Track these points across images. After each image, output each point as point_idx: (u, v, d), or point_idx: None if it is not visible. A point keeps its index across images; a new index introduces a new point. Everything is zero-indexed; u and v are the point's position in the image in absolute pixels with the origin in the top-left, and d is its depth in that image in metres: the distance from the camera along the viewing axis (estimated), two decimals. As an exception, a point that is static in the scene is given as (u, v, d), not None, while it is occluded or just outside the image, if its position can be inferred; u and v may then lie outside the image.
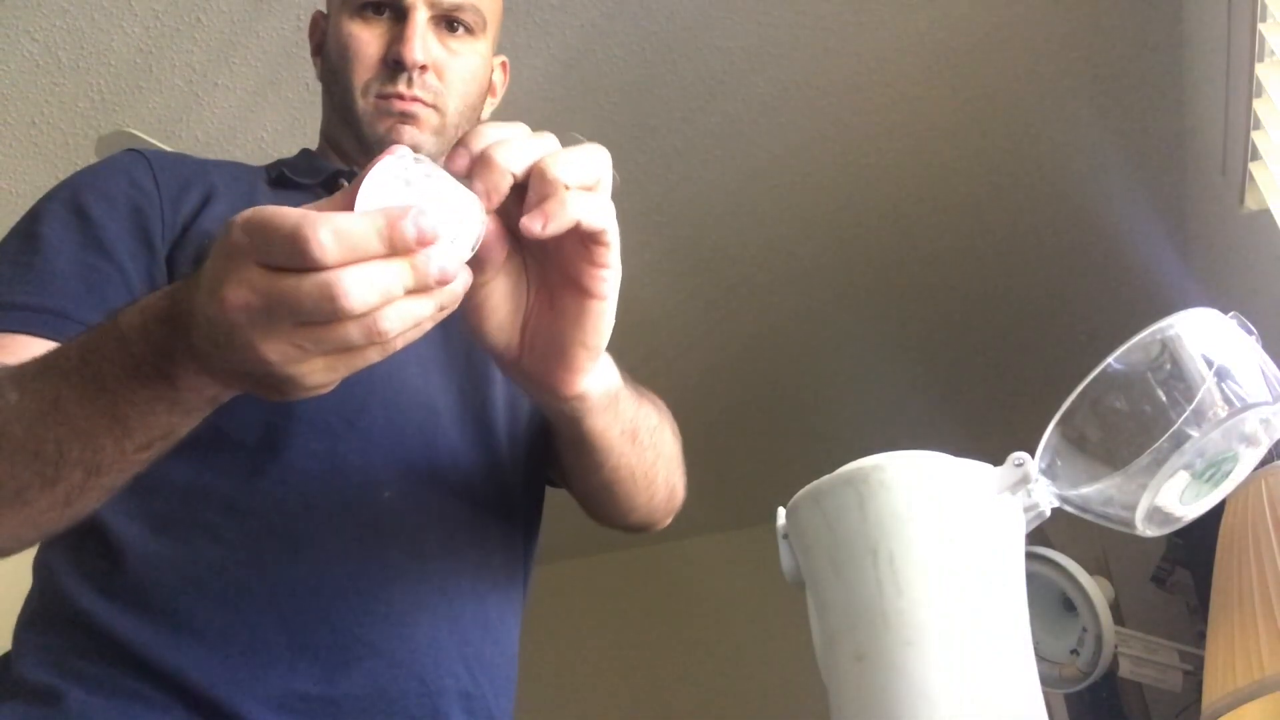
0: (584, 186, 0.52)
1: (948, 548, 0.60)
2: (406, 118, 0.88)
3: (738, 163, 2.29)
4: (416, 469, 0.80)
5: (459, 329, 0.57)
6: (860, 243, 2.55)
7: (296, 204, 0.92)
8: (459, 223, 0.47)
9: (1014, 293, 2.72)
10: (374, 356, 0.47)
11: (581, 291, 0.55)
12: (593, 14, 1.93)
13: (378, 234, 0.43)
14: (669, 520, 0.87)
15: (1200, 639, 1.45)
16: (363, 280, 0.43)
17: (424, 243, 0.44)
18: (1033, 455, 0.63)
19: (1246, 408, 0.59)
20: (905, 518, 0.61)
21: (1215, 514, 0.82)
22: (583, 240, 0.53)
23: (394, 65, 0.88)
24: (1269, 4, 1.44)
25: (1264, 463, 0.79)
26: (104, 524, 0.75)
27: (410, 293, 0.45)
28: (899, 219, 2.47)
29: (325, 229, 0.43)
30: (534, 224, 0.50)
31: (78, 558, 0.75)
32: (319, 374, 0.47)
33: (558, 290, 0.56)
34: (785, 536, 0.68)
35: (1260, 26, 1.48)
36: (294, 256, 0.43)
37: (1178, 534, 1.60)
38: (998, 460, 0.64)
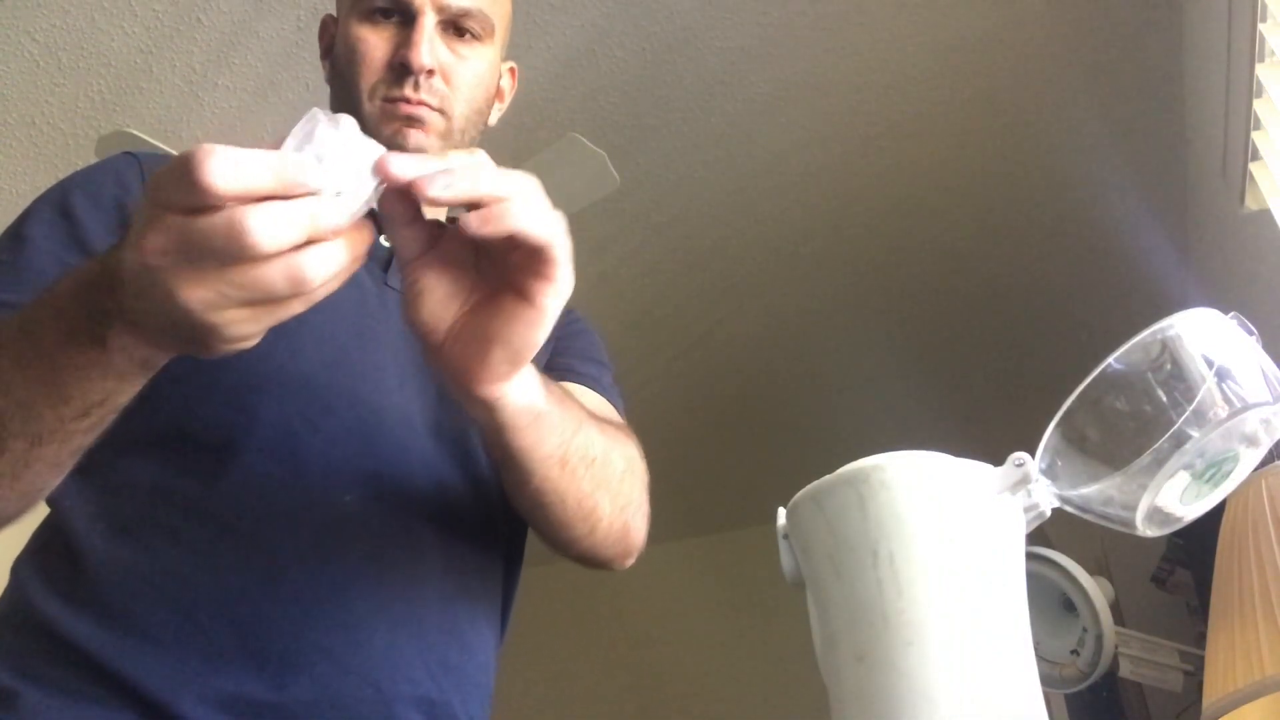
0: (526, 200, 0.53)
1: (948, 548, 0.60)
2: (412, 121, 0.88)
3: (738, 163, 2.29)
4: (383, 474, 0.79)
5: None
6: (860, 243, 2.55)
7: None
8: (355, 174, 0.48)
9: (1014, 293, 2.72)
10: (296, 307, 0.49)
11: (520, 296, 0.55)
12: (593, 14, 1.93)
13: (268, 167, 0.45)
14: (627, 561, 0.86)
15: (1200, 639, 1.45)
16: (266, 217, 0.45)
17: (315, 183, 0.46)
18: (1033, 455, 0.63)
19: (1247, 408, 0.59)
20: (905, 518, 0.61)
21: (1215, 514, 0.82)
22: (530, 251, 0.53)
23: (400, 69, 0.88)
24: (1269, 4, 1.44)
25: (1264, 463, 0.79)
26: (69, 528, 0.76)
27: (317, 239, 0.46)
28: (898, 219, 2.47)
29: (214, 157, 0.44)
30: (470, 222, 0.51)
31: (43, 561, 0.76)
32: (242, 324, 0.49)
33: (500, 291, 0.56)
34: (785, 536, 0.68)
35: (1260, 26, 1.48)
36: (187, 187, 0.44)
37: (1178, 534, 1.60)
38: (998, 460, 0.64)
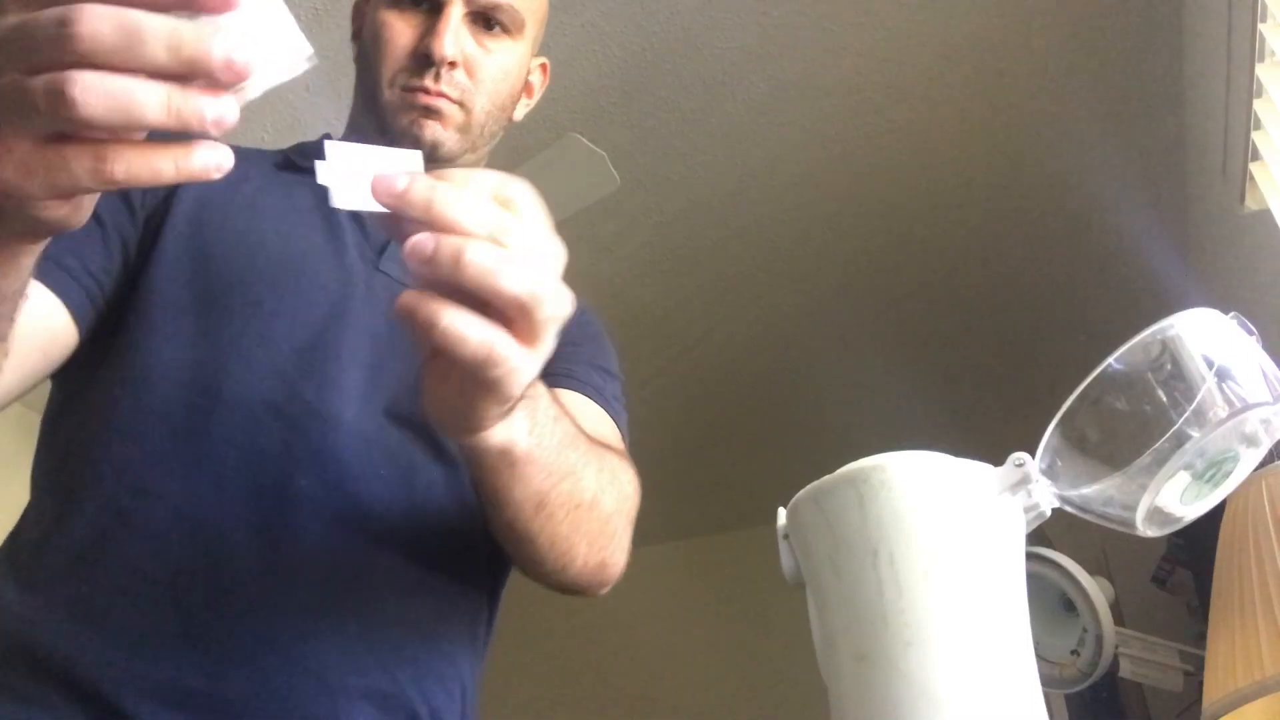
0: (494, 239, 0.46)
1: (948, 548, 0.60)
2: (430, 112, 0.87)
3: (738, 163, 2.29)
4: (342, 460, 0.77)
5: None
6: (860, 243, 2.55)
7: (292, 187, 0.90)
8: (255, 45, 0.39)
9: (1014, 293, 2.72)
10: (83, 166, 0.39)
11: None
12: (593, 14, 1.93)
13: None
14: (602, 590, 0.81)
15: (1200, 639, 1.45)
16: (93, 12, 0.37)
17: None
18: (1033, 455, 0.63)
19: (1247, 408, 0.59)
20: (905, 518, 0.61)
21: (1215, 514, 0.82)
22: (500, 311, 0.46)
23: (423, 58, 0.87)
24: (1269, 4, 1.44)
25: (1264, 463, 0.79)
26: (31, 509, 0.76)
27: (158, 74, 0.38)
28: (899, 219, 2.47)
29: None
30: (412, 252, 0.45)
31: (8, 549, 0.77)
32: (12, 172, 0.39)
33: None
34: (785, 536, 0.68)
35: (1260, 26, 1.48)
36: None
37: (1178, 534, 1.60)
38: (998, 460, 0.64)
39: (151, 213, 0.84)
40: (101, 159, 0.39)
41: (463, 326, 0.45)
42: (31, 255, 0.50)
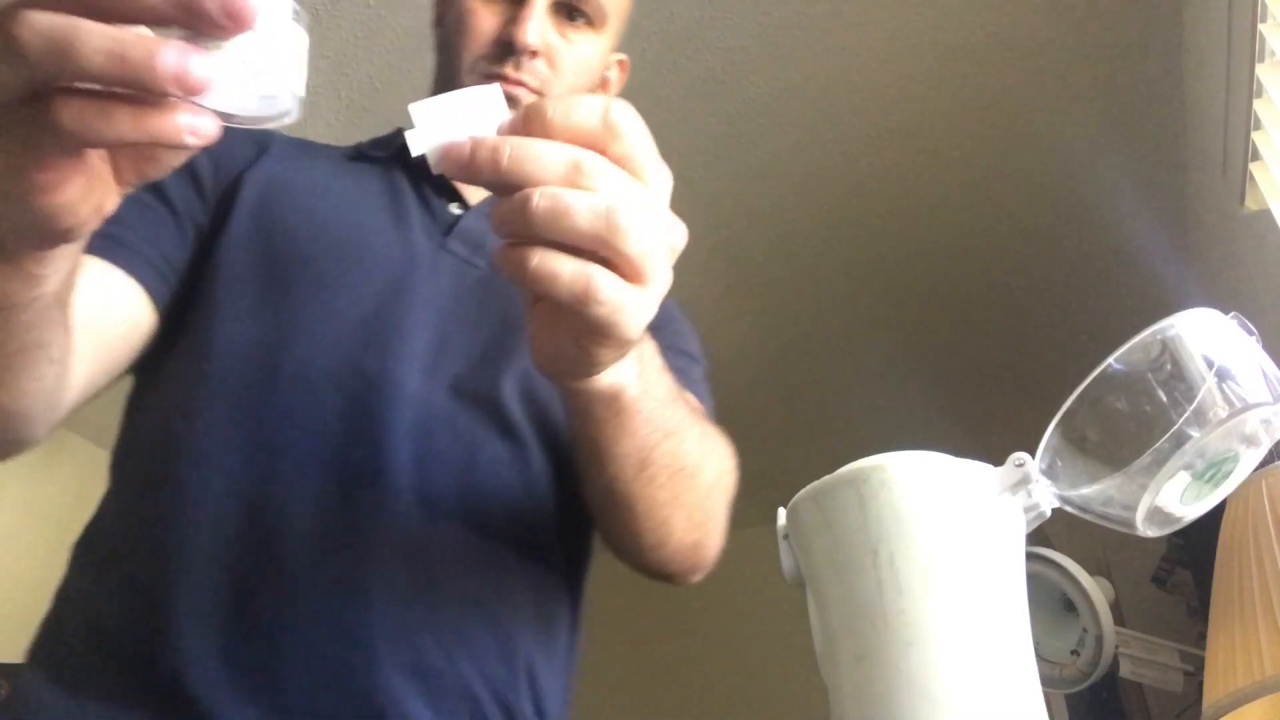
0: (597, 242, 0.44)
1: (948, 548, 0.60)
2: (508, 101, 0.87)
3: (738, 163, 2.29)
4: (401, 432, 0.75)
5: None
6: (860, 243, 2.55)
7: (362, 174, 0.92)
8: (265, 62, 0.38)
9: (1014, 293, 2.72)
10: (65, 118, 0.37)
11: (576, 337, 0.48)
12: (593, 14, 1.93)
13: None
14: (694, 577, 0.80)
15: (1201, 639, 1.45)
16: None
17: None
18: (1033, 455, 0.63)
19: (1247, 408, 0.59)
20: (905, 518, 0.61)
21: (1215, 514, 0.82)
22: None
23: (505, 46, 0.86)
24: (1269, 4, 1.44)
25: (1264, 463, 0.79)
26: (108, 504, 0.77)
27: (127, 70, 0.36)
28: (899, 219, 2.47)
29: None
30: (500, 259, 0.45)
31: (88, 535, 0.77)
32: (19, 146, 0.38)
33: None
34: (785, 536, 0.68)
35: (1260, 26, 1.48)
36: None
37: (1178, 534, 1.60)
38: (998, 460, 0.64)
39: (221, 195, 0.85)
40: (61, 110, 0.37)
41: (554, 264, 0.44)
42: (45, 265, 0.48)
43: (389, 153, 0.94)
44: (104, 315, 0.73)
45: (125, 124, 0.37)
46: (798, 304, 2.74)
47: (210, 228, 0.84)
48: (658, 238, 0.46)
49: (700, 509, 0.75)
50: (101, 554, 0.75)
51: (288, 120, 0.41)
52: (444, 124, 0.44)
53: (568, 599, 0.84)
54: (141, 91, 0.36)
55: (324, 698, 0.68)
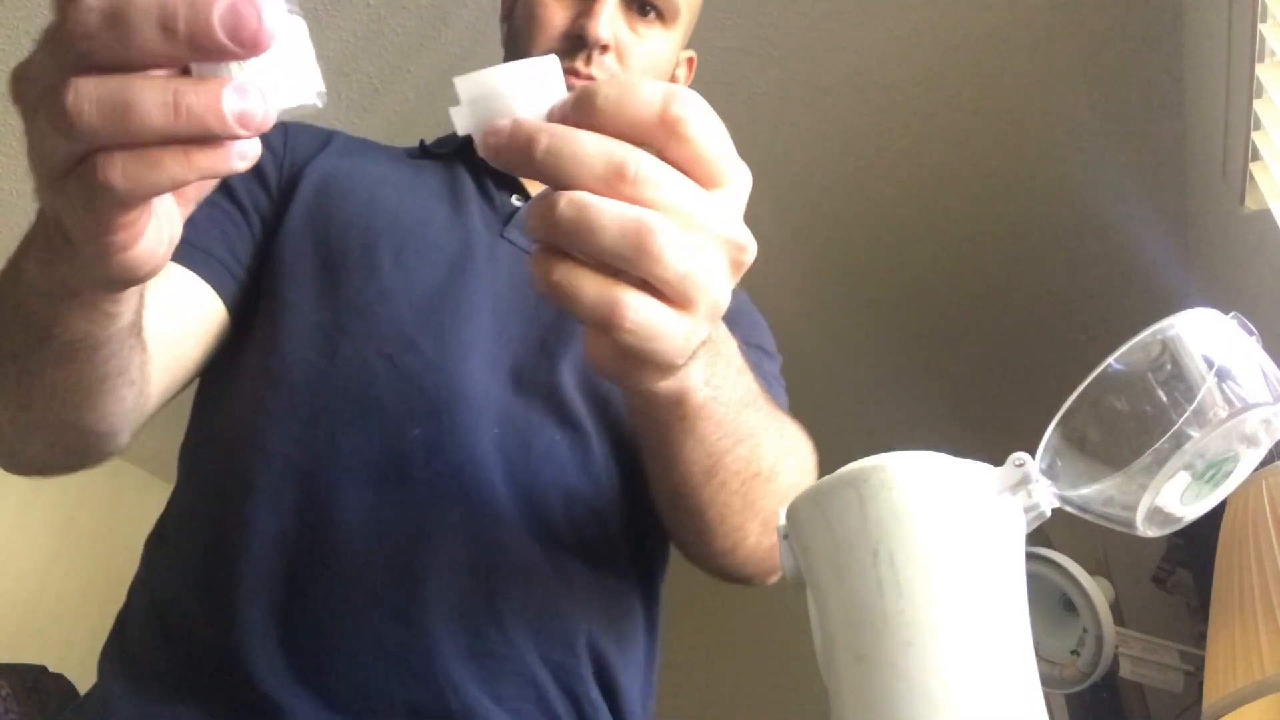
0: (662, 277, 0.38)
1: (948, 548, 0.60)
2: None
3: (738, 163, 2.29)
4: (456, 412, 0.73)
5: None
6: (860, 242, 2.55)
7: (422, 168, 0.92)
8: (281, 75, 0.36)
9: (1014, 293, 2.72)
10: (102, 179, 0.35)
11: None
12: (593, 14, 1.93)
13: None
14: (770, 579, 0.75)
15: (1201, 639, 1.45)
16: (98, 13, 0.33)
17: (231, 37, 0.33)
18: (1033, 455, 0.63)
19: (1247, 408, 0.58)
20: (905, 518, 0.61)
21: (1216, 514, 0.82)
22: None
23: (577, 39, 0.85)
24: (1269, 4, 1.44)
25: (1264, 463, 0.79)
26: (175, 500, 0.78)
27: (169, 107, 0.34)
28: (898, 219, 2.47)
29: None
30: (530, 266, 0.40)
31: (156, 533, 0.78)
32: (53, 196, 0.37)
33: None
34: (785, 537, 0.68)
35: (1260, 26, 1.48)
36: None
37: (1178, 534, 1.60)
38: (998, 460, 0.64)
39: (284, 188, 0.85)
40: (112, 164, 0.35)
41: (577, 282, 0.38)
42: (121, 304, 0.49)
43: (452, 148, 0.94)
44: (177, 323, 0.74)
45: (178, 168, 0.35)
46: (796, 303, 2.74)
47: (274, 221, 0.84)
48: (708, 256, 0.39)
49: (776, 514, 0.73)
50: (168, 549, 0.76)
51: (313, 108, 0.39)
52: (492, 99, 0.38)
53: (638, 593, 0.82)
54: (206, 139, 0.35)
55: (382, 681, 0.67)
